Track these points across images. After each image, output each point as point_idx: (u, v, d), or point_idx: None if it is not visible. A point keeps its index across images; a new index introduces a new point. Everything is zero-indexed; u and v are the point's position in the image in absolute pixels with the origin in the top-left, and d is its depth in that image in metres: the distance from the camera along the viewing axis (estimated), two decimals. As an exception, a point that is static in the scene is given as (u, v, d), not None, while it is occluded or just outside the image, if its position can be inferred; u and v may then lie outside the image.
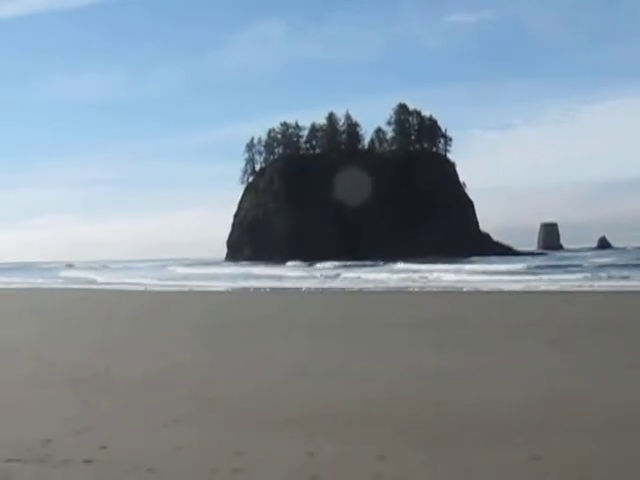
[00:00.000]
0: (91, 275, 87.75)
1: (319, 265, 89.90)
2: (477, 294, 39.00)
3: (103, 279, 76.05)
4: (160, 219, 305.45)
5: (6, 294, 51.27)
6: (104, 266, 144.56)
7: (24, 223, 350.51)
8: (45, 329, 23.48)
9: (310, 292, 45.45)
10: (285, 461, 7.76)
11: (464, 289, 41.74)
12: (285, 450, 8.22)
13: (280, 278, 65.12)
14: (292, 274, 72.31)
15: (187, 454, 8.02)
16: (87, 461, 7.63)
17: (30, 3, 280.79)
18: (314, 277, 65.87)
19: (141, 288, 54.72)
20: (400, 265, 73.83)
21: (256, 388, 12.35)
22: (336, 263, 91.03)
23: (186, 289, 52.29)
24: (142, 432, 9.10)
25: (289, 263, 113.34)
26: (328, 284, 53.33)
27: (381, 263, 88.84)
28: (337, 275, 65.50)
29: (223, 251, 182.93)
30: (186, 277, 75.11)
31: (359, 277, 60.50)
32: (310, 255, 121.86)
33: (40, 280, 78.94)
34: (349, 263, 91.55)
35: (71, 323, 25.94)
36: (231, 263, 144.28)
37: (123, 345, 19.05)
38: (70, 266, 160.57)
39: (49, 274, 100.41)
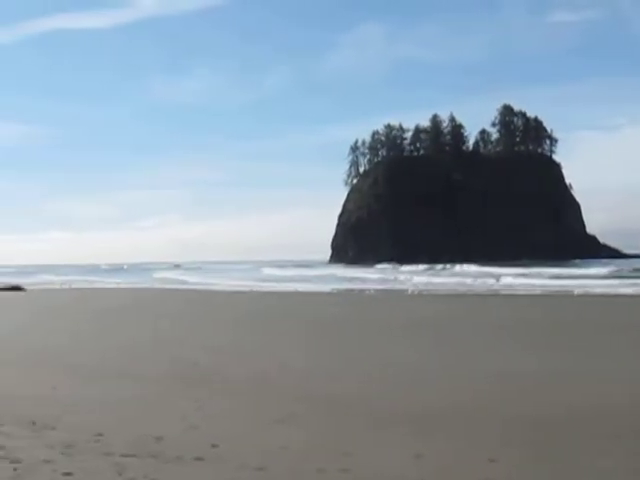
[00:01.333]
0: (183, 277, 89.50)
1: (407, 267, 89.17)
2: (585, 297, 38.41)
3: (199, 280, 77.73)
4: (265, 220, 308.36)
5: (105, 294, 52.55)
6: (211, 267, 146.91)
7: (135, 224, 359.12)
8: (155, 329, 24.06)
9: (419, 294, 45.32)
10: (392, 463, 7.77)
11: (575, 292, 41.24)
12: (392, 451, 8.23)
13: (385, 280, 65.30)
14: (402, 276, 72.15)
15: (295, 454, 8.12)
16: (198, 459, 7.79)
17: (145, 7, 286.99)
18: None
19: (246, 289, 55.57)
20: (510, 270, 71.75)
21: (363, 388, 12.41)
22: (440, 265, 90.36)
23: (291, 290, 52.88)
24: (251, 431, 9.25)
25: (387, 265, 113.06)
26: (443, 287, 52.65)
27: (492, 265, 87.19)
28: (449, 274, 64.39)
29: (328, 252, 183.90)
30: (291, 278, 75.81)
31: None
32: (415, 256, 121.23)
33: (135, 280, 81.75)
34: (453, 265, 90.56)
35: (179, 323, 26.47)
36: (335, 265, 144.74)
37: (231, 345, 19.36)
38: (178, 267, 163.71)
39: (146, 275, 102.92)
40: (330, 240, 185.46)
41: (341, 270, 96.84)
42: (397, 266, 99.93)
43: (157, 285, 69.11)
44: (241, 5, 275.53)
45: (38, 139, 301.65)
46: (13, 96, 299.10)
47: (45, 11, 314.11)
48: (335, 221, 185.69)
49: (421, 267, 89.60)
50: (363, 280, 68.74)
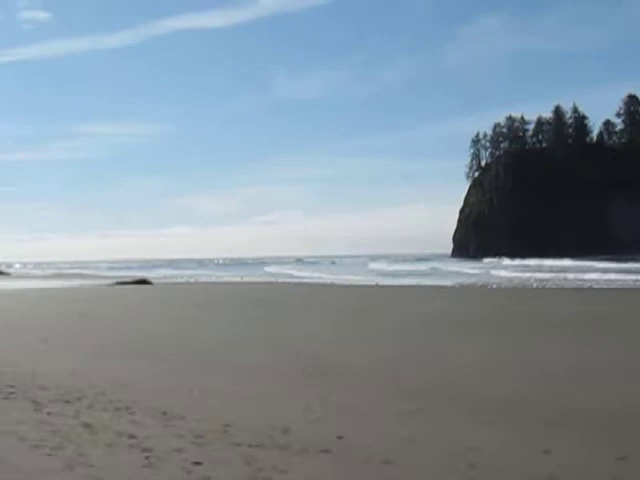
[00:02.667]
0: (292, 271, 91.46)
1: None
2: None
3: (308, 274, 79.03)
4: (385, 214, 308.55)
5: (224, 288, 53.42)
6: (332, 262, 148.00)
7: (257, 219, 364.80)
8: (272, 321, 24.35)
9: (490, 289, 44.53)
10: (521, 458, 7.64)
11: None
12: (520, 447, 8.10)
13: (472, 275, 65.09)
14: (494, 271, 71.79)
15: (421, 447, 8.07)
16: (324, 451, 7.82)
17: (266, 5, 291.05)
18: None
19: (372, 283, 55.83)
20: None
21: (487, 382, 12.26)
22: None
23: (414, 284, 52.90)
24: (376, 423, 9.25)
25: (493, 259, 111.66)
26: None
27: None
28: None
29: (450, 247, 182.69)
30: (410, 273, 75.81)
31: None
32: (538, 251, 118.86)
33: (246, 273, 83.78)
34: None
35: (294, 316, 26.68)
36: (454, 259, 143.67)
37: (350, 337, 19.39)
38: (299, 261, 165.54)
39: (255, 269, 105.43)
40: (452, 234, 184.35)
41: (446, 264, 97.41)
42: (501, 260, 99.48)
43: (270, 279, 70.09)
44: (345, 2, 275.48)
45: (165, 137, 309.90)
46: (140, 97, 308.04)
47: (165, 13, 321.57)
48: (457, 215, 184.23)
49: (528, 262, 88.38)
50: (459, 274, 69.80)
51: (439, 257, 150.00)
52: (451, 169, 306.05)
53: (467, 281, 56.39)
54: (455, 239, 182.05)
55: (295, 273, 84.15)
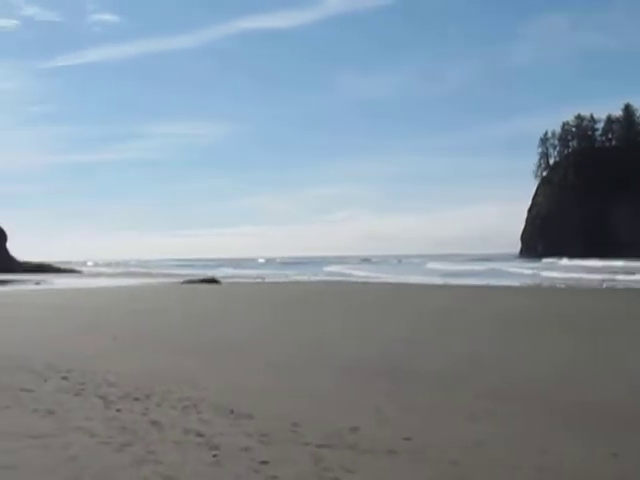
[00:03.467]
0: (352, 270, 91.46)
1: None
2: None
3: (368, 273, 79.18)
4: (453, 214, 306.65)
5: (290, 288, 53.54)
6: (398, 261, 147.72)
7: (325, 218, 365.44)
8: (341, 320, 24.32)
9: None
10: (588, 461, 7.49)
11: None
12: (588, 450, 7.94)
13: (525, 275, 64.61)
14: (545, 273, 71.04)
15: (489, 449, 7.95)
16: (391, 451, 7.76)
17: (332, 5, 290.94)
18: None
19: (440, 282, 55.61)
20: None
21: (559, 384, 12.05)
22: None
23: (483, 283, 52.64)
24: (445, 425, 9.14)
25: (553, 259, 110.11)
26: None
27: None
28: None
29: (517, 246, 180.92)
30: (468, 273, 75.52)
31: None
32: (609, 251, 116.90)
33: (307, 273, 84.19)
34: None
35: (360, 316, 26.61)
36: (524, 259, 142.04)
37: (420, 337, 19.25)
38: (366, 260, 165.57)
39: (315, 268, 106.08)
40: (520, 234, 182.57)
41: (505, 265, 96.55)
42: (559, 260, 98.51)
43: (326, 278, 70.33)
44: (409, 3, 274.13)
45: (233, 137, 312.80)
46: (209, 97, 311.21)
47: (233, 14, 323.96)
48: (525, 214, 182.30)
49: (587, 263, 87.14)
50: (512, 275, 70.01)
51: (505, 257, 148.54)
52: (519, 168, 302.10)
53: (515, 283, 55.61)
54: (523, 239, 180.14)
55: (355, 273, 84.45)
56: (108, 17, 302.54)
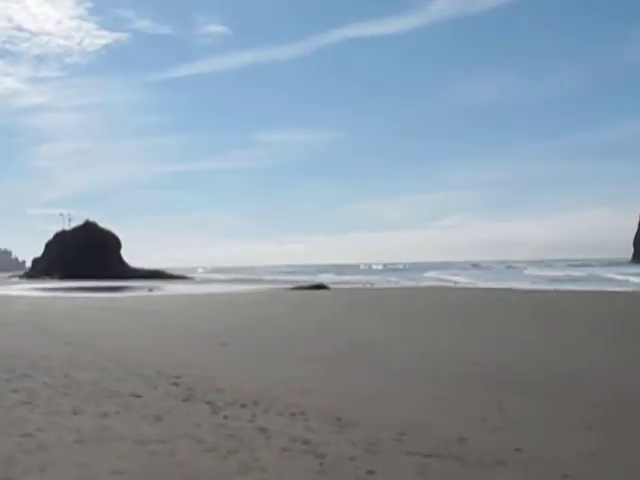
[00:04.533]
0: (454, 277, 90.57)
1: None
2: None
3: (471, 280, 78.07)
4: (562, 218, 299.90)
5: (401, 294, 53.25)
6: (507, 266, 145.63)
7: (434, 224, 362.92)
8: (448, 327, 24.03)
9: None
10: None
11: None
12: None
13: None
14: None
15: (602, 461, 7.67)
16: (501, 463, 7.55)
17: (437, 10, 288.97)
18: None
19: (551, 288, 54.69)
20: None
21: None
22: None
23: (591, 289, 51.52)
24: (557, 436, 8.85)
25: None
26: None
27: None
28: None
29: (628, 252, 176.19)
30: (556, 278, 74.13)
31: None
32: None
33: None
34: None
35: (471, 323, 26.24)
36: (636, 265, 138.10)
37: (531, 345, 18.84)
38: (475, 266, 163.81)
39: (416, 275, 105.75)
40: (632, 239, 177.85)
41: (606, 271, 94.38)
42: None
43: (429, 284, 69.86)
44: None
45: (341, 144, 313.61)
46: (316, 105, 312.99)
47: (338, 22, 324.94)
48: (637, 219, 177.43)
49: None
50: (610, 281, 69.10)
51: (615, 263, 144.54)
52: (631, 172, 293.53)
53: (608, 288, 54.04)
54: (636, 244, 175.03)
55: (453, 278, 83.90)
56: (217, 28, 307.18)
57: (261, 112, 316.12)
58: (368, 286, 69.30)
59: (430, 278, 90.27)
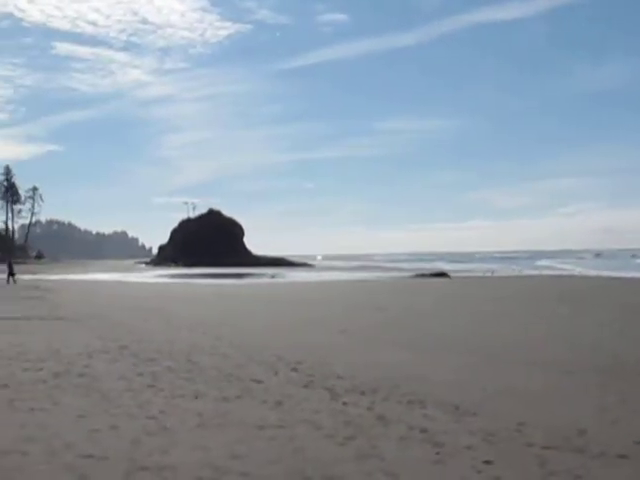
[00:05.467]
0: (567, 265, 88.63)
1: None
2: None
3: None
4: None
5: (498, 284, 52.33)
6: (633, 255, 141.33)
7: (556, 212, 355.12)
8: (564, 315, 23.55)
9: None
10: None
11: None
12: None
13: None
14: None
15: None
16: (622, 456, 7.38)
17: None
18: None
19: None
20: None
21: None
22: None
23: None
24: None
25: None
26: None
27: None
28: None
29: None
30: None
31: None
32: None
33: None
34: None
35: (588, 312, 25.63)
36: None
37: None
38: (598, 255, 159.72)
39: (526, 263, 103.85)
40: None
41: None
42: None
43: (549, 272, 68.36)
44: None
45: (463, 132, 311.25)
46: (438, 93, 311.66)
47: (461, 8, 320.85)
48: None
49: None
50: None
51: None
52: None
53: None
54: None
55: (566, 267, 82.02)
56: (337, 17, 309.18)
57: (382, 100, 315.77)
58: (488, 274, 68.46)
59: (549, 267, 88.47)
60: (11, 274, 49.24)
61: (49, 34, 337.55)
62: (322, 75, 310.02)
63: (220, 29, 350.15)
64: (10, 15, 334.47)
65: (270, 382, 11.55)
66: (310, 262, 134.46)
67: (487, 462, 7.13)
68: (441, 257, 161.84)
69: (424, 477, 6.79)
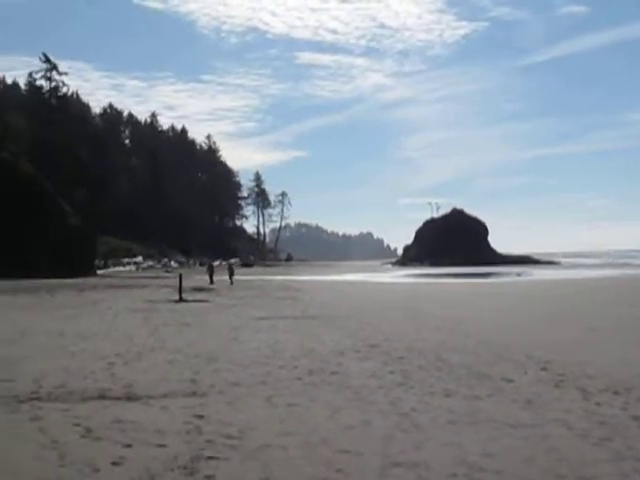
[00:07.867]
0: None
1: None
2: None
3: None
4: None
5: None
6: None
7: None
8: None
9: None
10: None
11: None
12: None
13: None
14: None
15: None
16: None
17: None
18: None
19: None
20: None
21: None
22: None
23: None
24: None
25: None
26: None
27: None
28: None
29: None
30: None
31: None
32: None
33: None
34: None
35: None
36: None
37: None
38: None
39: None
40: None
41: None
42: None
43: None
44: None
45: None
46: None
47: None
48: None
49: None
50: None
51: None
52: None
53: None
54: None
55: None
56: (577, 8, 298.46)
57: (625, 91, 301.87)
58: None
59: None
60: (231, 275, 52.11)
61: (292, 44, 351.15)
62: (561, 69, 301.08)
63: (457, 29, 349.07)
64: (255, 29, 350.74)
65: (520, 381, 11.44)
66: (556, 260, 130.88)
67: None
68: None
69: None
